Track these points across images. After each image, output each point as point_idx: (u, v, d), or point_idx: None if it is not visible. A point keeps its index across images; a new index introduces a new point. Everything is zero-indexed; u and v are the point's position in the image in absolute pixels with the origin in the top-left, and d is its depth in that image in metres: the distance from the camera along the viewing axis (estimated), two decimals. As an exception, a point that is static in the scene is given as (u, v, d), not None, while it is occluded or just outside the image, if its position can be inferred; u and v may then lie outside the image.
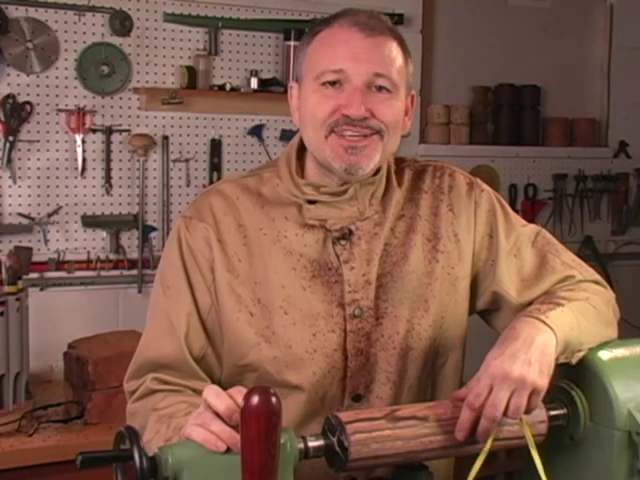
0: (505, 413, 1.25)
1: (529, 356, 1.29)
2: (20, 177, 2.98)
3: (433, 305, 1.48)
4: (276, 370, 1.44)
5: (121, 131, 3.12)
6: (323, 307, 1.44)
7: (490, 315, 1.58)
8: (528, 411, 1.28)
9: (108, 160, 3.10)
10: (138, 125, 3.15)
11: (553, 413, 1.36)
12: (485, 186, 1.59)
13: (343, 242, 1.46)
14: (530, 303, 1.50)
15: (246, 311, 1.44)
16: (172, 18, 3.18)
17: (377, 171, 1.49)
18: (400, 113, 1.46)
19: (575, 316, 1.41)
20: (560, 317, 1.38)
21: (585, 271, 1.56)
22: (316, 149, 1.45)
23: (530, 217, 3.87)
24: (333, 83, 1.40)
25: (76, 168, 3.05)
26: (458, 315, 1.52)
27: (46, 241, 3.03)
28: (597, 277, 1.57)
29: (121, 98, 3.12)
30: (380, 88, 1.41)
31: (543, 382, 1.29)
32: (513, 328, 1.35)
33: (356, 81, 1.39)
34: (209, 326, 1.46)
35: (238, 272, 1.45)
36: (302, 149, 1.51)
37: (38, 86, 3.00)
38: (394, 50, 1.43)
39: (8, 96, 2.94)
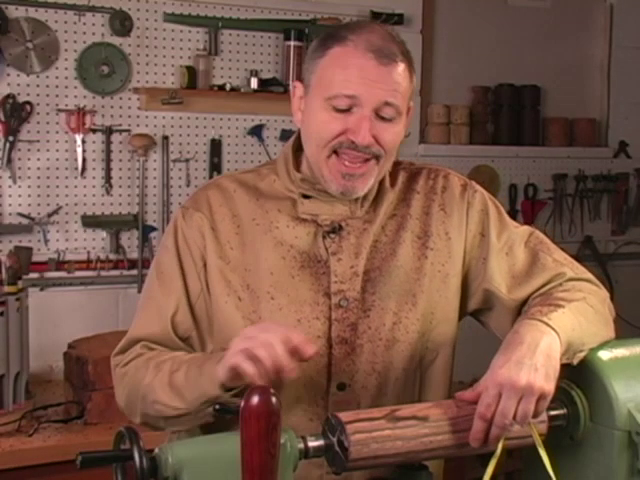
0: (513, 418, 1.27)
1: (535, 362, 1.29)
2: (20, 177, 2.98)
3: (421, 300, 1.50)
4: None
5: (121, 131, 3.12)
6: (310, 295, 1.48)
7: (483, 315, 1.59)
8: (536, 415, 1.29)
9: (108, 160, 3.10)
10: (138, 125, 3.15)
11: (553, 413, 1.36)
12: (479, 188, 1.61)
13: (333, 235, 1.50)
14: (523, 302, 1.52)
15: (235, 296, 1.49)
16: (172, 18, 3.18)
17: None
18: (400, 135, 1.49)
19: (576, 317, 1.41)
20: (562, 318, 1.39)
21: (577, 268, 1.57)
22: (315, 164, 1.49)
23: (530, 217, 3.87)
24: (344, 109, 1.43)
25: (76, 168, 3.05)
26: (449, 312, 1.54)
27: (46, 241, 3.03)
28: (589, 276, 1.57)
29: (121, 98, 3.12)
30: (385, 116, 1.44)
31: (550, 387, 1.29)
32: (516, 332, 1.36)
33: (366, 107, 1.42)
34: (197, 311, 1.52)
35: (230, 259, 1.50)
36: (299, 149, 1.55)
37: (38, 86, 3.00)
38: (403, 74, 1.45)
39: (8, 96, 2.94)
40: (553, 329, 1.35)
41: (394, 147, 1.48)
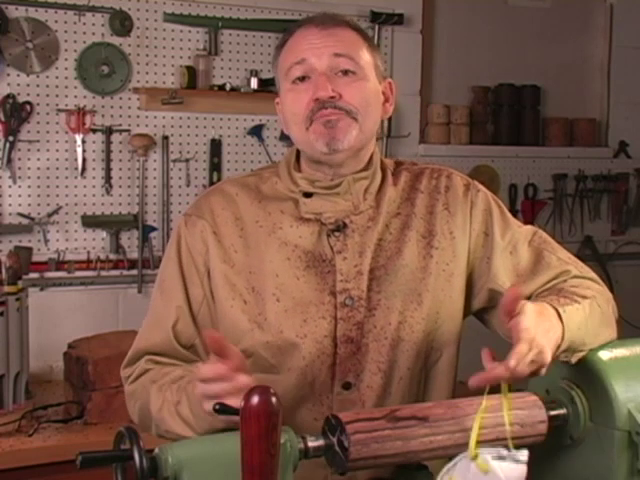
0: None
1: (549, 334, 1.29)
2: (20, 177, 2.98)
3: (427, 299, 1.51)
4: (270, 354, 1.48)
5: (121, 131, 3.12)
6: (315, 295, 1.48)
7: (487, 313, 1.59)
8: (534, 373, 1.27)
9: (108, 160, 3.10)
10: (138, 125, 3.16)
11: (553, 413, 1.36)
12: (482, 187, 1.62)
13: (337, 234, 1.50)
14: (527, 299, 1.51)
15: (240, 299, 1.49)
16: (172, 18, 3.18)
17: (368, 165, 1.54)
18: (371, 95, 1.51)
19: (585, 316, 1.41)
20: (574, 315, 1.38)
21: (581, 267, 1.57)
22: (302, 142, 1.51)
23: (530, 217, 3.87)
24: (302, 78, 1.48)
25: (76, 168, 3.05)
26: (453, 311, 1.54)
27: (46, 241, 3.03)
28: (593, 275, 1.57)
29: (121, 98, 3.12)
30: (346, 72, 1.48)
31: (548, 352, 1.28)
32: (534, 304, 1.34)
33: (319, 66, 1.47)
34: (200, 319, 1.53)
35: (234, 262, 1.51)
36: (300, 153, 1.57)
37: (38, 86, 3.00)
38: (352, 37, 1.51)
39: (8, 96, 2.94)
40: (562, 322, 1.34)
41: (365, 103, 1.49)
